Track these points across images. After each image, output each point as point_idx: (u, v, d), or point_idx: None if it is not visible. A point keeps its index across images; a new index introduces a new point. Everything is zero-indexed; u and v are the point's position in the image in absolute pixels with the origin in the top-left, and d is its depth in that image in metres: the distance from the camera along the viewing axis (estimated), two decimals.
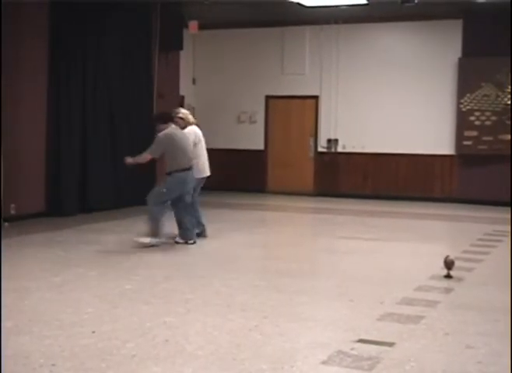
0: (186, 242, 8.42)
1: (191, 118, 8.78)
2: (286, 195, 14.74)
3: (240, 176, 15.48)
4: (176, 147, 8.10)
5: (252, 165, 15.45)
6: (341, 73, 14.60)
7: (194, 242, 8.44)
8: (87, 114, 11.16)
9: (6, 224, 9.62)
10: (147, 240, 8.16)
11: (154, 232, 8.19)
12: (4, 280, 6.30)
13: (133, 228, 9.54)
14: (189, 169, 8.20)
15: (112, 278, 6.53)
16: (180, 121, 8.57)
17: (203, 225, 8.96)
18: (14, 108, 9.94)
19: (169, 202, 8.30)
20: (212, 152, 15.82)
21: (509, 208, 12.04)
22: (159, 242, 8.19)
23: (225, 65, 15.54)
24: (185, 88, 14.97)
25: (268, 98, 15.34)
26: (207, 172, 8.94)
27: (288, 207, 13.22)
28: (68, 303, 5.51)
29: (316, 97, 14.89)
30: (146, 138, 11.80)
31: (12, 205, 9.92)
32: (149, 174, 12.03)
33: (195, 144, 8.61)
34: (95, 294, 5.85)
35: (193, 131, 8.66)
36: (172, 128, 8.21)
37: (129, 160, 8.29)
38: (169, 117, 8.35)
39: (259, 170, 15.42)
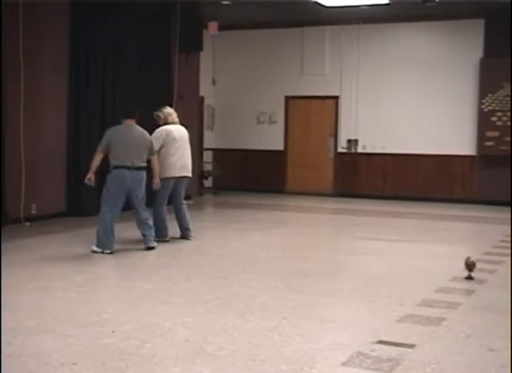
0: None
1: (170, 118, 8.68)
2: (306, 195, 14.72)
3: (260, 176, 15.48)
4: (118, 143, 7.83)
5: (272, 165, 15.44)
6: (362, 73, 14.56)
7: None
8: (107, 115, 11.22)
9: (27, 223, 9.71)
10: (95, 248, 7.83)
11: (100, 242, 7.79)
12: (26, 279, 6.36)
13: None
14: (130, 168, 7.82)
15: (132, 278, 6.55)
16: (158, 119, 8.69)
17: (187, 229, 8.87)
18: (35, 108, 10.03)
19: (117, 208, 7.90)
20: (231, 153, 15.98)
21: None
22: (106, 252, 7.75)
23: (245, 66, 15.55)
24: (205, 88, 15.01)
25: (287, 98, 15.33)
26: (182, 173, 8.62)
27: (307, 207, 13.19)
28: (88, 303, 5.54)
29: (336, 97, 14.85)
30: None
31: (33, 205, 10.01)
32: None
33: (165, 144, 8.45)
34: (115, 294, 5.88)
35: (164, 130, 8.53)
36: (124, 125, 7.99)
37: (88, 177, 7.95)
38: (128, 113, 8.08)
39: (279, 171, 15.41)
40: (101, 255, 7.68)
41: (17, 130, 9.59)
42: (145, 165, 8.05)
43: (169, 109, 8.87)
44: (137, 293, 5.93)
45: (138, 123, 8.19)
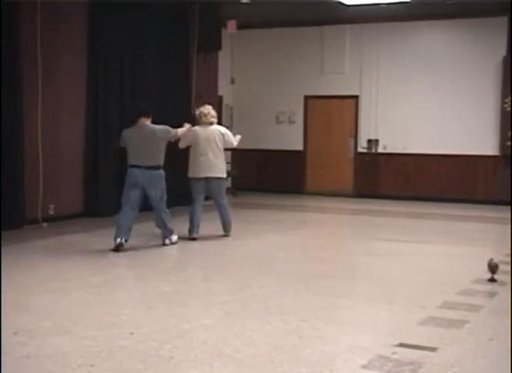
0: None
1: (204, 118, 9.02)
2: (325, 196, 14.69)
3: (279, 176, 15.47)
4: (129, 142, 8.17)
5: (291, 165, 15.42)
6: (382, 72, 14.50)
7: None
8: (125, 115, 11.25)
9: (45, 224, 9.76)
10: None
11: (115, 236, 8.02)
12: (43, 280, 6.40)
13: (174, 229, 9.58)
14: (140, 167, 8.05)
15: (150, 279, 6.57)
16: (197, 118, 9.14)
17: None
18: (53, 107, 10.08)
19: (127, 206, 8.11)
20: (249, 153, 15.96)
21: None
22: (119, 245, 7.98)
23: (264, 65, 15.54)
24: (223, 88, 15.02)
25: (307, 98, 15.30)
26: (207, 174, 8.89)
27: (327, 208, 13.16)
28: (106, 304, 5.56)
29: (356, 97, 14.81)
30: None
31: (51, 206, 10.06)
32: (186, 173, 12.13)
33: (192, 146, 8.92)
34: (133, 296, 5.90)
35: (191, 132, 8.86)
36: (136, 125, 8.23)
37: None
38: (140, 113, 8.29)
39: (298, 171, 15.39)
40: (117, 255, 7.71)
41: (35, 129, 9.64)
42: (158, 164, 8.16)
43: (204, 109, 9.12)
44: (155, 294, 5.95)
45: (155, 123, 8.35)
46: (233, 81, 15.83)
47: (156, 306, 5.52)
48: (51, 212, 10.07)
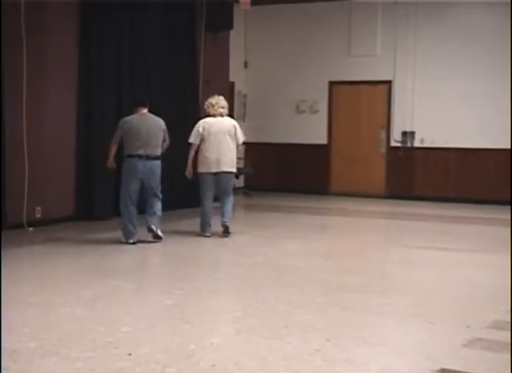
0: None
1: (212, 109, 9.61)
2: (353, 197, 14.66)
3: (299, 174, 15.46)
4: (130, 132, 8.88)
5: (313, 162, 15.41)
6: (419, 54, 14.45)
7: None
8: (123, 107, 11.24)
9: (31, 229, 9.79)
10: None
11: (123, 232, 8.98)
12: (28, 293, 6.40)
13: (176, 234, 9.59)
14: (142, 156, 8.86)
15: (151, 292, 6.57)
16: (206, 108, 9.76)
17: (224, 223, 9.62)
18: (40, 98, 10.11)
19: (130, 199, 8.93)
20: (265, 147, 15.95)
21: None
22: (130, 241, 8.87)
23: (281, 46, 15.54)
24: (235, 73, 15.03)
25: (331, 84, 15.29)
26: (219, 168, 9.49)
27: (354, 211, 13.14)
28: (100, 320, 5.56)
29: (389, 82, 14.77)
30: (191, 131, 11.86)
31: (38, 208, 10.09)
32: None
33: (203, 138, 9.49)
34: (131, 311, 5.89)
35: (201, 123, 9.57)
36: (136, 114, 9.02)
37: (108, 162, 9.12)
38: (139, 102, 9.14)
39: (321, 168, 15.37)
40: (113, 264, 7.72)
41: (19, 123, 9.67)
42: (158, 154, 9.05)
43: (212, 99, 9.68)
44: (156, 309, 5.94)
45: (158, 114, 8.96)
46: (246, 64, 15.84)
47: (158, 323, 5.51)
48: (38, 215, 10.10)
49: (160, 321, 5.58)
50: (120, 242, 9.00)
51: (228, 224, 9.59)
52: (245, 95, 15.78)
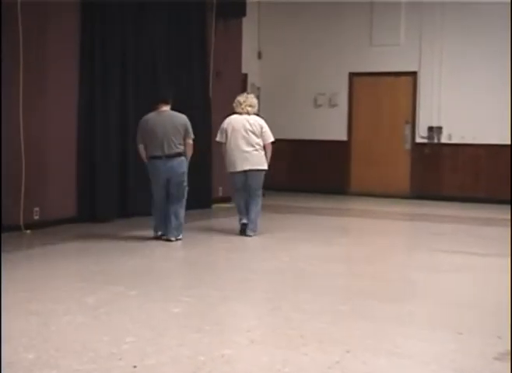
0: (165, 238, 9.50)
1: (239, 107, 10.02)
2: (374, 197, 14.65)
3: (317, 173, 15.46)
4: (147, 132, 9.34)
5: (331, 159, 15.40)
6: (447, 43, 14.40)
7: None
8: (127, 100, 11.27)
9: (28, 231, 9.81)
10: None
11: (153, 226, 9.58)
12: (25, 300, 6.42)
13: (186, 237, 9.60)
14: (161, 157, 9.28)
15: (158, 299, 6.57)
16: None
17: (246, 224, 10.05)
18: (39, 99, 10.14)
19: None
20: (280, 144, 15.84)
21: None
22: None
23: (298, 35, 15.53)
24: (248, 64, 15.03)
25: (352, 75, 15.27)
26: (244, 166, 9.92)
27: (376, 212, 13.13)
28: (103, 330, 5.57)
29: (413, 73, 14.75)
30: (200, 128, 11.88)
31: (36, 209, 10.11)
32: (203, 173, 12.19)
33: (229, 135, 9.92)
34: (136, 319, 5.90)
35: (225, 121, 10.03)
36: (153, 112, 9.41)
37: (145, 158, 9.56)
38: (158, 98, 9.52)
39: (340, 166, 15.36)
40: (117, 269, 7.74)
41: (16, 118, 9.69)
42: (180, 151, 9.38)
43: (240, 98, 10.15)
44: (163, 317, 5.94)
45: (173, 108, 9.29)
46: (260, 55, 15.84)
47: (165, 332, 5.51)
48: (36, 217, 10.13)
49: (167, 330, 5.58)
50: (124, 246, 9.02)
51: (251, 233, 9.95)
52: (259, 88, 15.77)
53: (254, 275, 7.78)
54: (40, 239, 9.47)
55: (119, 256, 8.59)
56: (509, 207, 13.43)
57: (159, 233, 9.49)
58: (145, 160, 9.48)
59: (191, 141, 9.48)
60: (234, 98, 10.21)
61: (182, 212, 9.52)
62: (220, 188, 13.46)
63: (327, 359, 4.92)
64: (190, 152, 9.52)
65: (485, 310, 6.39)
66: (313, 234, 10.49)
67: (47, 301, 6.43)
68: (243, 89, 14.85)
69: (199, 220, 11.38)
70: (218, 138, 10.05)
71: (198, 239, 9.76)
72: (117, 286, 7.05)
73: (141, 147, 9.48)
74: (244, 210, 10.07)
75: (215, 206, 13.06)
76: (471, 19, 14.20)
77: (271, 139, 10.04)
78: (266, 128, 10.01)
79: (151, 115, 9.41)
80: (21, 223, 9.85)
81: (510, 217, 12.32)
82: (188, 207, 10.78)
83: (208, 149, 12.60)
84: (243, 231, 9.96)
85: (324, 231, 10.85)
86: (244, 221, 10.01)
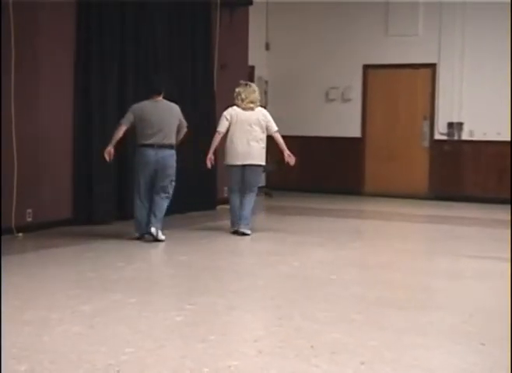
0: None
1: (238, 100, 10.24)
2: (390, 198, 14.65)
3: (328, 172, 15.46)
4: (141, 120, 9.54)
5: (345, 158, 15.40)
6: (469, 33, 14.37)
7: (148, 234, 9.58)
8: (126, 97, 11.24)
9: (20, 235, 9.81)
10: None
11: (136, 227, 9.77)
12: (17, 309, 6.42)
13: (188, 240, 9.60)
14: (154, 146, 9.48)
15: (159, 307, 6.58)
16: None
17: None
18: (32, 95, 10.14)
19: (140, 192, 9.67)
20: (289, 141, 15.81)
21: None
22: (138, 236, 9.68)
23: (308, 25, 15.52)
24: (255, 55, 15.03)
25: (366, 68, 15.29)
26: (246, 160, 10.20)
27: (393, 214, 13.12)
28: (100, 340, 5.56)
29: (433, 66, 14.75)
30: (204, 124, 11.88)
31: (29, 210, 10.11)
32: (207, 172, 12.18)
33: (231, 127, 10.19)
34: (136, 329, 5.89)
35: (227, 112, 10.26)
36: (149, 100, 9.63)
37: (107, 149, 9.62)
38: (153, 90, 9.73)
39: (354, 165, 15.37)
40: (115, 275, 7.74)
41: (8, 114, 9.69)
42: (172, 142, 9.66)
43: (240, 88, 10.35)
44: (164, 327, 5.94)
45: (166, 98, 9.39)
46: (267, 46, 15.85)
47: (166, 343, 5.51)
48: (29, 219, 10.13)
49: (169, 340, 5.57)
50: (122, 250, 9.02)
51: (244, 230, 10.18)
52: (266, 82, 15.77)
53: (261, 281, 7.78)
54: (33, 243, 9.48)
55: (117, 260, 8.59)
56: None
57: (137, 235, 9.72)
58: (112, 145, 9.59)
59: (186, 129, 9.87)
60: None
61: (165, 207, 9.72)
62: (225, 188, 13.44)
63: (340, 371, 4.91)
64: (182, 137, 9.91)
65: (509, 319, 6.37)
66: (324, 237, 10.50)
67: (40, 309, 6.42)
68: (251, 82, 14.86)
69: (203, 222, 11.38)
70: (219, 128, 10.25)
71: (201, 243, 9.76)
72: (115, 293, 7.05)
73: (123, 128, 9.60)
74: (237, 214, 10.29)
75: (219, 207, 13.05)
76: (495, 8, 14.16)
77: (276, 128, 10.31)
78: (270, 118, 10.30)
79: (146, 103, 9.63)
80: (13, 225, 9.84)
81: None
82: (191, 209, 10.81)
83: None
84: (235, 233, 10.24)
85: (336, 234, 10.85)
86: (236, 228, 10.24)
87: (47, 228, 10.26)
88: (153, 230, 9.45)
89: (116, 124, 9.80)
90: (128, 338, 5.62)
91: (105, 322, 6.07)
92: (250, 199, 10.33)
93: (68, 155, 10.82)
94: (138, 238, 9.64)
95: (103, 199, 10.99)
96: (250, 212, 10.36)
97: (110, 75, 11.10)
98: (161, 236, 9.51)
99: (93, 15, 10.83)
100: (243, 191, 10.34)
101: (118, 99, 11.16)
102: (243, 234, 10.14)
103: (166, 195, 9.69)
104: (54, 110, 10.52)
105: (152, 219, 9.53)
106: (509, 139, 14.11)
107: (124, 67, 11.34)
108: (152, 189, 9.64)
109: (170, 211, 10.26)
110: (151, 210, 9.59)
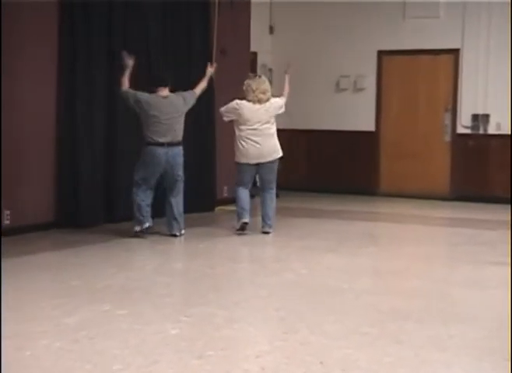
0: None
1: (251, 95, 10.62)
2: (408, 199, 14.65)
3: (340, 170, 15.47)
4: (149, 116, 10.06)
5: (357, 154, 15.41)
6: (495, 15, 14.37)
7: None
8: (114, 87, 11.24)
9: None
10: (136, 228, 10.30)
11: (136, 219, 10.27)
12: None
13: (185, 245, 9.61)
14: (164, 144, 10.04)
15: (151, 319, 6.59)
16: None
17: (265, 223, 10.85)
18: (12, 85, 10.15)
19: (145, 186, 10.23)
20: (296, 135, 15.93)
21: None
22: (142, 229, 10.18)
23: (317, 7, 15.51)
24: (258, 41, 15.05)
25: (381, 54, 15.28)
26: (260, 159, 10.60)
27: (410, 216, 13.13)
28: (86, 356, 5.58)
29: (456, 51, 14.74)
30: (202, 116, 11.90)
31: (7, 212, 10.12)
32: (205, 170, 12.24)
33: (236, 121, 10.63)
34: (126, 344, 5.91)
35: (238, 104, 10.58)
36: (156, 95, 10.13)
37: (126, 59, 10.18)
38: (158, 81, 10.32)
39: (368, 162, 15.37)
40: (102, 283, 7.76)
41: None
42: (180, 139, 10.24)
43: (250, 80, 10.82)
44: (158, 341, 5.95)
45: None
46: (272, 30, 15.84)
47: (160, 358, 5.52)
48: (7, 221, 10.14)
49: (162, 356, 5.59)
50: (111, 256, 9.04)
51: (269, 230, 10.73)
52: (270, 70, 15.76)
53: (265, 291, 7.79)
54: (12, 248, 9.45)
55: (105, 267, 8.61)
56: None
57: (147, 225, 10.25)
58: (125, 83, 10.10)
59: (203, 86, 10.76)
60: (242, 80, 10.28)
61: (182, 203, 10.44)
62: (225, 188, 13.49)
63: None
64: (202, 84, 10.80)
65: None
66: (335, 242, 10.51)
67: (21, 321, 6.43)
68: (253, 70, 14.87)
69: (200, 225, 11.39)
70: (222, 109, 10.80)
71: (198, 248, 9.78)
72: (102, 304, 7.07)
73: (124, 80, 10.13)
74: (247, 207, 10.68)
75: (217, 209, 13.07)
76: None
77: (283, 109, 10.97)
78: (276, 99, 10.91)
79: (154, 99, 10.09)
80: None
81: None
82: (188, 211, 10.82)
83: (211, 143, 12.64)
84: (241, 229, 10.59)
85: (348, 238, 10.85)
86: (246, 219, 10.59)
87: (27, 232, 10.27)
88: (177, 233, 10.33)
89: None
90: (116, 354, 5.64)
91: (91, 336, 6.08)
92: (272, 196, 10.85)
93: (51, 154, 10.84)
94: (137, 234, 10.19)
95: (90, 200, 11.00)
96: (274, 212, 10.90)
97: (96, 65, 11.10)
98: (183, 232, 10.43)
99: (79, 17, 10.86)
100: (262, 190, 10.90)
101: (105, 92, 11.16)
102: (265, 233, 10.68)
103: (181, 194, 10.40)
104: (35, 109, 10.53)
105: (175, 225, 10.32)
106: None
107: (113, 64, 11.22)
108: (159, 186, 10.34)
109: (165, 213, 10.34)
110: (170, 214, 10.35)
